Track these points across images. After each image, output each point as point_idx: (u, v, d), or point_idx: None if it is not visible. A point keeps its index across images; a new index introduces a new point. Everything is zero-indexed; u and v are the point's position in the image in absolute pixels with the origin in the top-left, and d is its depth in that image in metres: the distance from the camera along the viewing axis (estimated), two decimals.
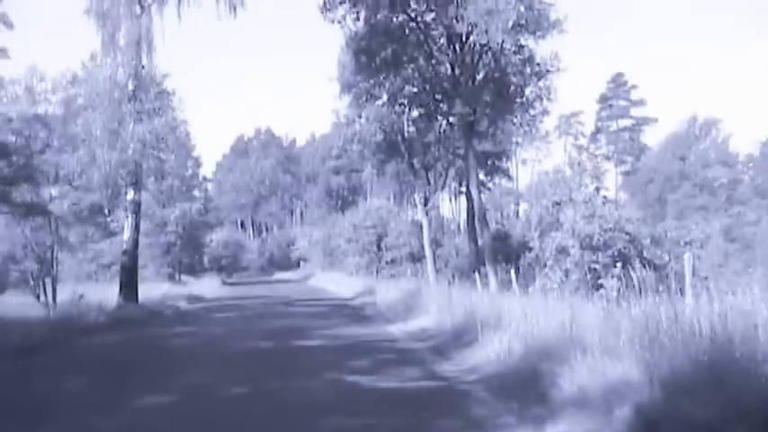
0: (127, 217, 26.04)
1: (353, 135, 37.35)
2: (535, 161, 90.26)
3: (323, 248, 65.79)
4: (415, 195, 39.55)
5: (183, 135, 56.77)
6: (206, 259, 77.98)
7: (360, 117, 36.96)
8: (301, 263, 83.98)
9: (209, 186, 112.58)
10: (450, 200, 65.59)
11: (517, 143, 73.48)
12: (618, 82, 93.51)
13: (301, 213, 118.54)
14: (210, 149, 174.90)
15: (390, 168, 41.35)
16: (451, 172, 40.21)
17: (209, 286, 47.86)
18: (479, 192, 33.18)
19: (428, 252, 38.70)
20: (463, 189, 40.60)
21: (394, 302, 23.06)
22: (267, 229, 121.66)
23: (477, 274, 22.60)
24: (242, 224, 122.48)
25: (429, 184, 39.24)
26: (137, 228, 26.17)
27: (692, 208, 72.12)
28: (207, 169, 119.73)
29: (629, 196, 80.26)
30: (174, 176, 50.13)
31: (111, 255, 45.53)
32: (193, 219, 51.78)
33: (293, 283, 61.98)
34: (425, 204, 39.03)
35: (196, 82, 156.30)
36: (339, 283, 43.11)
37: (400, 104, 35.35)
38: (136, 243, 26.42)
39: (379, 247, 45.67)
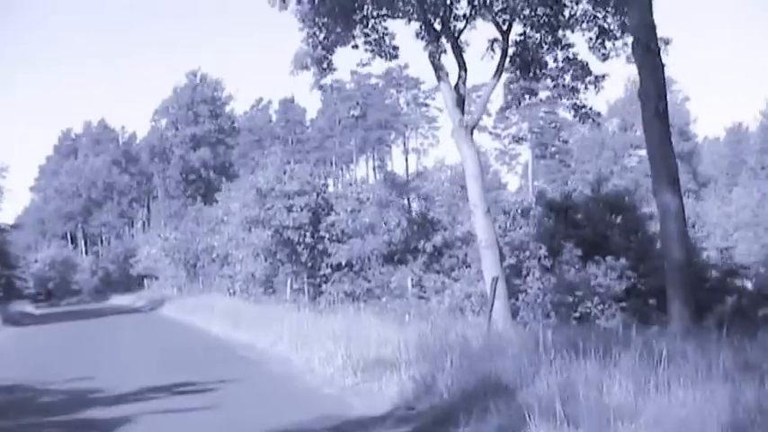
0: None
1: None
2: None
3: (182, 257, 40.94)
4: (441, 90, 16.16)
5: None
6: (31, 283, 63.24)
7: None
8: (146, 281, 58.30)
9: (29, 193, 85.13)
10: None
11: None
12: None
13: (144, 222, 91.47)
14: (33, 152, 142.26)
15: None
16: (510, 43, 16.80)
17: None
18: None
19: (483, 235, 15.47)
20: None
21: None
22: (102, 243, 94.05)
23: None
24: (72, 238, 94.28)
25: (463, 68, 16.13)
26: None
27: None
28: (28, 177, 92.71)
29: None
30: None
31: None
32: None
33: (136, 314, 37.24)
34: (461, 112, 15.83)
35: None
36: (248, 324, 17.73)
37: None
38: None
39: (314, 236, 21.53)
